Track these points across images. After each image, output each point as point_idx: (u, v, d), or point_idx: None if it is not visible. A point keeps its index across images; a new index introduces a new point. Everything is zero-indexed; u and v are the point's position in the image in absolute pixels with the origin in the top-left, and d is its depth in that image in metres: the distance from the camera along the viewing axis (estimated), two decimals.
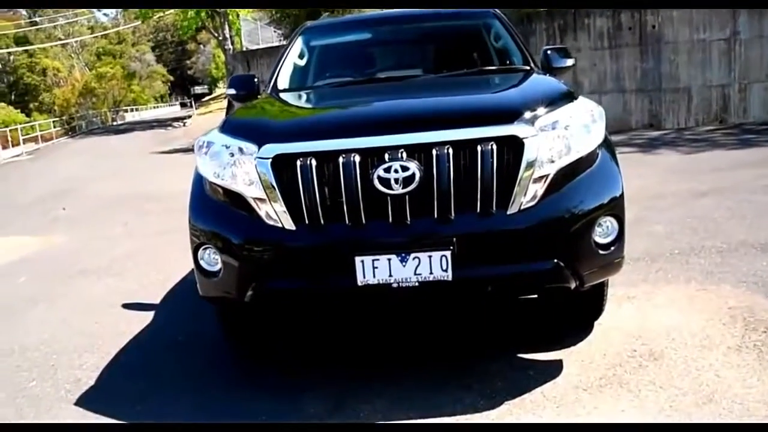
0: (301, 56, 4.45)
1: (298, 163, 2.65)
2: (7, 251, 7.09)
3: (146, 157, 18.50)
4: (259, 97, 4.07)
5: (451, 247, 2.57)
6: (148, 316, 4.37)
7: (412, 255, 2.58)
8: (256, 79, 4.25)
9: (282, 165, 2.70)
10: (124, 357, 3.74)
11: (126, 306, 4.65)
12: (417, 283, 2.60)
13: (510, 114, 2.72)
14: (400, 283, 2.61)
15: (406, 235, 2.61)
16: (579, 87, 14.01)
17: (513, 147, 2.62)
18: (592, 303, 3.32)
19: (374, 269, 2.59)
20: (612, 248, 2.82)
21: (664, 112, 13.84)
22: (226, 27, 28.87)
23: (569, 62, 4.15)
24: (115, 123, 47.75)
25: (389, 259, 2.59)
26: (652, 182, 7.66)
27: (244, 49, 23.03)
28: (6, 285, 5.68)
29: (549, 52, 4.15)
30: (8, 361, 3.81)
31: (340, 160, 2.62)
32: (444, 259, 2.57)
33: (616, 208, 2.82)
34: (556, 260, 2.67)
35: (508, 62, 4.11)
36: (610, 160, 2.92)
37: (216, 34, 30.89)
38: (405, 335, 3.68)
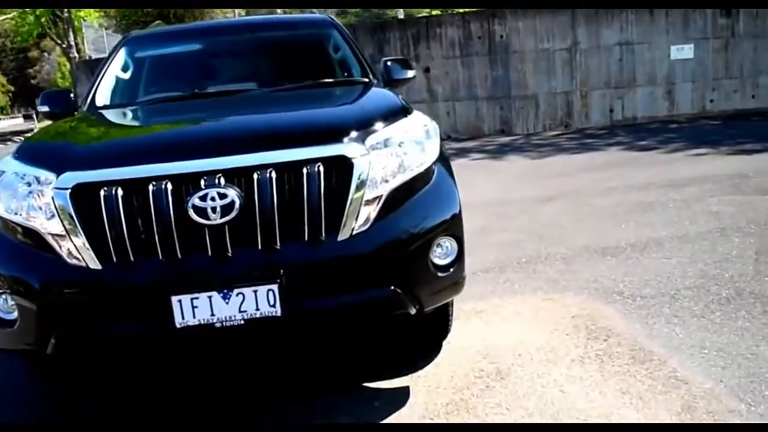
0: (124, 69, 4.07)
1: (102, 193, 2.33)
2: None
3: None
4: (75, 114, 3.67)
5: (279, 280, 2.34)
6: None
7: (236, 291, 2.33)
8: (72, 95, 3.84)
9: (84, 196, 2.36)
10: None
11: None
12: (243, 321, 2.35)
13: (338, 132, 2.54)
14: (224, 323, 2.34)
15: (228, 269, 2.35)
16: (433, 95, 14.28)
17: (342, 168, 2.43)
18: (438, 323, 3.20)
19: (194, 309, 2.32)
20: (452, 269, 2.70)
21: (514, 118, 14.37)
22: (71, 34, 27.15)
23: (410, 74, 4.07)
24: None
25: (210, 297, 2.32)
26: (501, 189, 7.85)
27: (89, 57, 21.63)
28: None
29: (389, 63, 4.05)
30: None
31: (150, 188, 2.32)
32: (271, 293, 2.34)
33: (453, 227, 2.71)
34: (393, 287, 2.50)
35: (346, 74, 3.95)
36: (446, 176, 2.81)
37: (60, 42, 29.01)
38: (234, 372, 3.40)
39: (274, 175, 2.35)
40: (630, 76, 14.51)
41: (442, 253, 2.68)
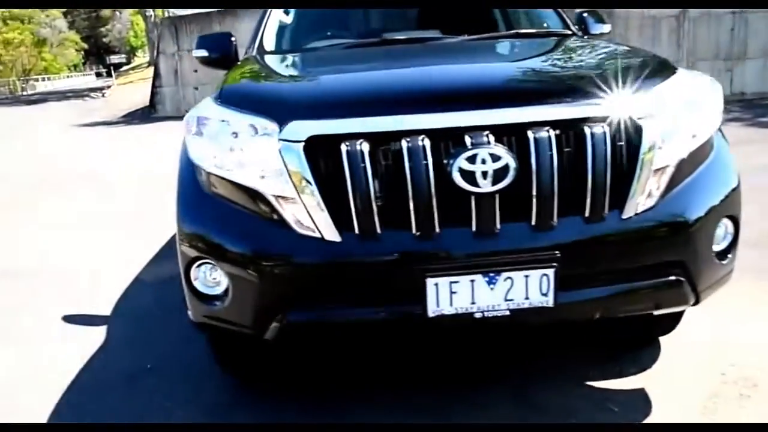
0: (286, 11, 3.66)
1: (344, 148, 1.91)
2: None
3: (67, 130, 16.89)
4: (238, 62, 3.28)
5: (555, 264, 1.92)
6: (99, 334, 3.52)
7: (503, 275, 1.91)
8: (233, 38, 3.46)
9: (318, 150, 1.95)
10: (74, 396, 2.88)
11: (68, 319, 3.74)
12: (508, 312, 1.94)
13: (616, 87, 2.07)
14: (485, 313, 1.94)
15: (496, 247, 1.93)
16: None
17: (628, 130, 1.98)
18: (672, 317, 2.75)
19: (451, 294, 1.91)
20: (729, 256, 2.24)
21: None
22: None
23: (606, 28, 3.58)
24: (25, 93, 44.74)
25: (472, 281, 1.91)
26: None
27: (168, 14, 21.50)
28: None
29: (585, 15, 3.56)
30: None
31: (404, 144, 1.90)
32: (545, 278, 1.91)
33: (733, 206, 2.24)
34: (676, 276, 2.06)
35: (545, 25, 3.45)
36: (724, 145, 2.34)
37: None
38: (439, 358, 3.02)
39: (552, 134, 1.91)
40: (741, 47, 13.59)
41: (721, 236, 2.21)
